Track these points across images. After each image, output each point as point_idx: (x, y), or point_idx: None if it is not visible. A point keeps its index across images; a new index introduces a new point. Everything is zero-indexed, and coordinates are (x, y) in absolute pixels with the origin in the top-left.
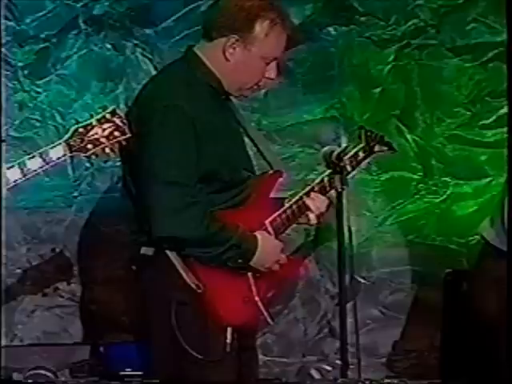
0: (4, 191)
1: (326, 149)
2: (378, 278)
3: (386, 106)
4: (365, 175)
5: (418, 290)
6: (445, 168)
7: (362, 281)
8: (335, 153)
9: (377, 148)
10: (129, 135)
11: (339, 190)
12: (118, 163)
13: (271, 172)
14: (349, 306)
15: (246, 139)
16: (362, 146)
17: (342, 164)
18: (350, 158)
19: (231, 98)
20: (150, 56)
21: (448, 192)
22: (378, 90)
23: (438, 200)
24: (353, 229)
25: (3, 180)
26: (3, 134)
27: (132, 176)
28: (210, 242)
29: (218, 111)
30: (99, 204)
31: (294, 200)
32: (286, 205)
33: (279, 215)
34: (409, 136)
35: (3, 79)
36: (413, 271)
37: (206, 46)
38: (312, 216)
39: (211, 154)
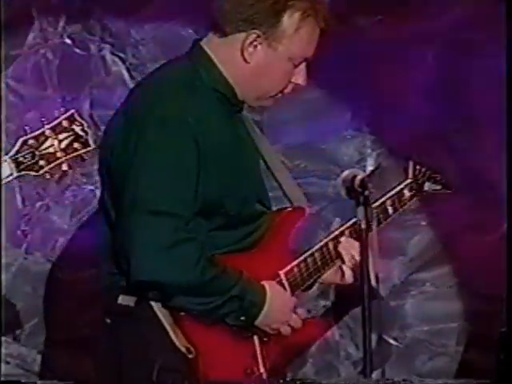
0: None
1: (346, 173)
2: (413, 338)
3: (430, 119)
4: None
5: (465, 353)
6: (500, 197)
7: (393, 343)
8: (358, 178)
9: (427, 186)
10: (93, 147)
11: (363, 226)
12: (80, 192)
13: (291, 209)
14: (376, 374)
15: (263, 164)
16: (408, 182)
17: (366, 193)
18: (391, 197)
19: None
20: (122, 54)
21: (504, 227)
22: (418, 98)
23: (491, 238)
24: (381, 276)
25: (3, 181)
26: None
27: (112, 198)
28: (204, 291)
29: (229, 127)
30: (57, 244)
31: (317, 246)
32: (307, 253)
33: (297, 265)
34: (459, 158)
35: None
36: (459, 330)
37: (217, 43)
38: (348, 273)
39: (216, 181)
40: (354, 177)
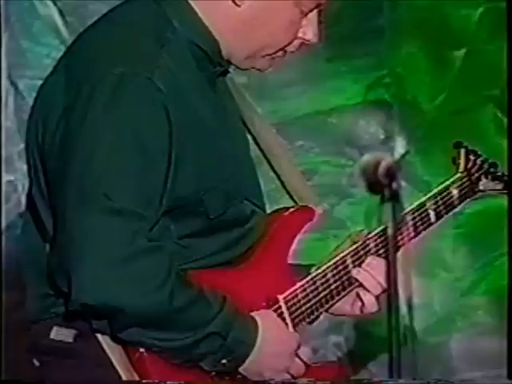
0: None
1: (367, 157)
2: None
3: (476, 80)
4: None
5: None
6: None
7: None
8: (383, 165)
9: (483, 185)
10: None
11: (390, 231)
12: None
13: (293, 210)
14: None
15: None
16: (457, 176)
17: (394, 185)
18: (434, 196)
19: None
20: None
21: None
22: (460, 52)
23: None
24: (416, 301)
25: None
26: None
27: (45, 192)
28: (173, 323)
29: (210, 95)
30: None
31: (330, 263)
32: (317, 271)
33: (302, 288)
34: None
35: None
36: None
37: None
38: (369, 300)
39: (193, 169)
40: (378, 163)
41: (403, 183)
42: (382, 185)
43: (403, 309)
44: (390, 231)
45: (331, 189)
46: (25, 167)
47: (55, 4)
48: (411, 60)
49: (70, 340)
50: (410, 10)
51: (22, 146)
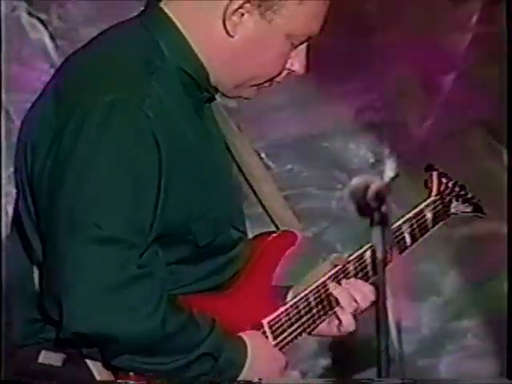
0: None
1: (356, 181)
2: None
3: (465, 104)
4: None
5: None
6: None
7: None
8: (373, 188)
9: (454, 207)
10: None
11: (379, 254)
12: None
13: (277, 234)
14: None
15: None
16: (431, 200)
17: (384, 209)
18: (409, 220)
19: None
20: (44, 16)
21: None
22: (450, 76)
23: None
24: (405, 324)
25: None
26: None
27: (33, 216)
28: (165, 348)
29: (197, 122)
30: None
31: (313, 286)
32: (298, 296)
33: (286, 312)
34: (506, 157)
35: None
36: None
37: (187, 6)
38: (346, 318)
39: (182, 197)
40: (367, 186)
41: (392, 206)
42: (371, 208)
43: (392, 332)
44: (379, 254)
45: (321, 212)
46: (14, 191)
47: (46, 28)
48: (401, 83)
49: (59, 364)
50: (400, 34)
51: (12, 170)
